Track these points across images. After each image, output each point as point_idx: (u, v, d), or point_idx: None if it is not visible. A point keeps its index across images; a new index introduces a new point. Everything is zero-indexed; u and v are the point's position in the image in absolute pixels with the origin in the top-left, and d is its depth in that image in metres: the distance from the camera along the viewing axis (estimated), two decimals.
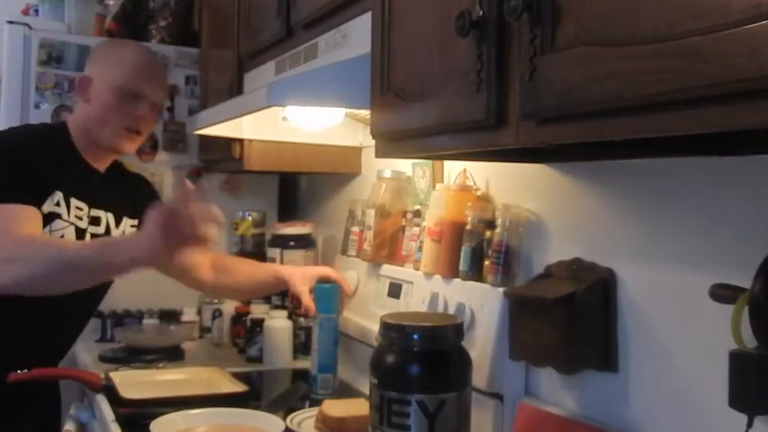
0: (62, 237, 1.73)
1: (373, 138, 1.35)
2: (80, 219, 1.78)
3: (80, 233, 1.78)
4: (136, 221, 1.92)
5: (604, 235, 1.31)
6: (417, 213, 1.83)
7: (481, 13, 0.99)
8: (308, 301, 1.90)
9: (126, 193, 1.95)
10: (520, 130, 0.96)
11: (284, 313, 2.18)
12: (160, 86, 1.91)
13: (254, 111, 1.63)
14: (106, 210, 1.86)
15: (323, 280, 1.96)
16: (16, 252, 1.54)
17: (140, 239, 1.47)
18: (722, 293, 0.97)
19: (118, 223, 1.89)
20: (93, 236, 1.81)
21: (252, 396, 1.83)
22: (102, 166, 1.89)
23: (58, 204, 1.72)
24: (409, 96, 1.21)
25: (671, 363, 1.17)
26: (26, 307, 1.75)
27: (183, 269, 1.97)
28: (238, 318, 2.33)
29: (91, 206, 1.81)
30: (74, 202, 1.76)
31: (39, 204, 1.68)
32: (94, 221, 1.82)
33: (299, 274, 1.97)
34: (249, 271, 2.08)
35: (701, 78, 0.67)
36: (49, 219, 1.70)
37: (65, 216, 1.74)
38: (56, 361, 1.93)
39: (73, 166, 1.81)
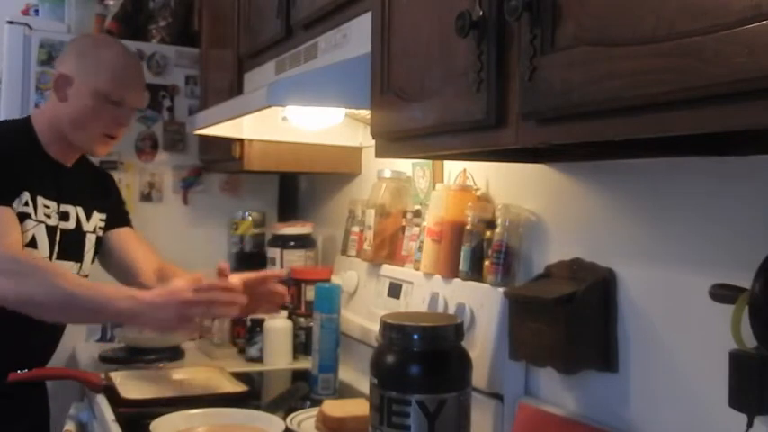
0: (32, 237, 1.73)
1: (373, 138, 1.35)
2: (48, 216, 1.78)
3: (50, 230, 1.78)
4: (104, 215, 1.94)
5: (604, 235, 1.31)
6: (417, 213, 1.83)
7: (481, 13, 0.99)
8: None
9: (95, 187, 1.97)
10: (520, 130, 0.96)
11: (284, 313, 2.18)
12: (141, 91, 1.90)
13: (254, 111, 1.63)
14: (75, 204, 1.86)
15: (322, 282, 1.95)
16: (18, 268, 1.57)
17: (150, 303, 1.54)
18: (722, 293, 0.97)
19: (89, 217, 1.90)
20: (63, 231, 1.81)
21: (252, 396, 1.83)
22: (68, 161, 1.88)
23: (26, 204, 1.72)
24: (409, 96, 1.21)
25: (671, 363, 1.17)
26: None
27: (126, 271, 1.95)
28: (238, 318, 2.33)
29: (59, 202, 1.81)
30: (40, 200, 1.76)
31: (9, 200, 1.68)
32: (64, 217, 1.83)
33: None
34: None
35: (701, 78, 0.67)
36: (19, 219, 1.70)
37: (33, 216, 1.73)
38: (45, 361, 1.93)
39: (38, 163, 1.80)
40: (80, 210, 1.87)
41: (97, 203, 1.93)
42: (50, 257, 1.78)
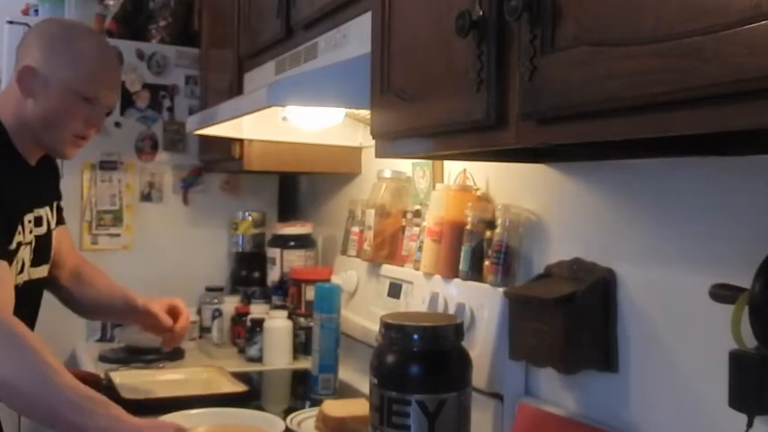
0: (21, 258, 1.58)
1: (373, 138, 1.35)
2: (31, 231, 1.63)
3: (30, 243, 1.63)
4: (57, 205, 1.82)
5: (604, 235, 1.30)
6: (417, 213, 1.83)
7: (481, 13, 0.99)
8: (164, 318, 1.84)
9: (52, 180, 1.82)
10: (520, 130, 0.96)
11: (284, 313, 2.18)
12: (116, 90, 1.72)
13: (254, 111, 1.63)
14: (43, 205, 1.71)
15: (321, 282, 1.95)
16: (8, 346, 1.35)
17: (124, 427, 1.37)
18: (722, 293, 0.97)
19: (53, 214, 1.75)
20: (38, 237, 1.66)
21: (252, 396, 1.83)
22: (33, 159, 1.69)
23: (19, 233, 1.57)
24: (409, 96, 1.21)
25: (671, 363, 1.17)
26: None
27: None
28: (238, 318, 2.33)
29: (34, 207, 1.66)
30: (26, 218, 1.61)
31: (8, 246, 1.52)
32: (38, 222, 1.67)
33: (156, 300, 1.87)
34: (105, 284, 1.89)
35: (701, 78, 0.67)
36: (15, 249, 1.55)
37: (23, 240, 1.59)
38: None
39: (16, 171, 1.63)
40: (47, 210, 1.73)
41: (55, 196, 1.81)
42: (23, 268, 1.62)
